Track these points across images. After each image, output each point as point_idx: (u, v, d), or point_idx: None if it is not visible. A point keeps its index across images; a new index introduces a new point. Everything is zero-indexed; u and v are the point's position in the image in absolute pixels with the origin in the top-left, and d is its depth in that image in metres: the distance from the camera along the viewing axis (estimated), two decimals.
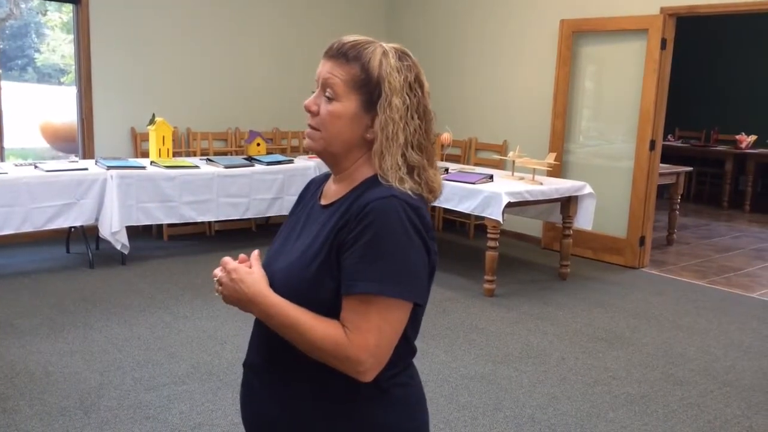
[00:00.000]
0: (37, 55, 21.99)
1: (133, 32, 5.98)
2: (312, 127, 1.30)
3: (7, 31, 21.33)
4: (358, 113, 1.26)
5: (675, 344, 4.08)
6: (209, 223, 6.18)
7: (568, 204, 5.14)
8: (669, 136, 9.14)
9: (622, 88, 5.74)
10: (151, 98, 6.04)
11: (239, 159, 5.88)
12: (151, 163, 5.41)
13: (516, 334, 4.16)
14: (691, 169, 7.21)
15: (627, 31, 5.61)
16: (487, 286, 4.83)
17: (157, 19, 6.09)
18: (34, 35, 20.91)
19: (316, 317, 1.21)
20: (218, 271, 1.27)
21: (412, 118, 1.26)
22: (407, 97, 1.26)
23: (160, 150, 5.59)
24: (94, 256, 5.24)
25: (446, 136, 5.73)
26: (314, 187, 1.43)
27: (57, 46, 19.26)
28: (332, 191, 1.35)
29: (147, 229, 6.03)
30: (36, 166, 5.02)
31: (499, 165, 6.25)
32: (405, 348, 1.28)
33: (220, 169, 5.49)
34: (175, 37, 6.20)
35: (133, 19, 5.97)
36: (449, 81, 7.02)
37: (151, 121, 5.61)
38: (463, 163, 6.44)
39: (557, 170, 5.78)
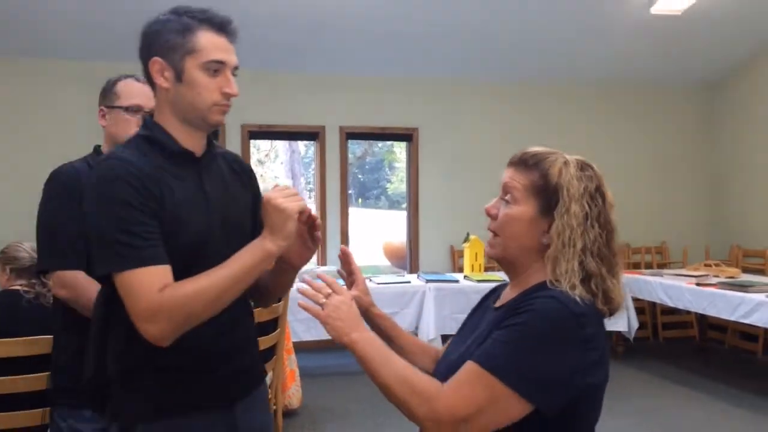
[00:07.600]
0: (388, 185, 25.40)
1: (449, 162, 6.74)
2: (492, 232, 1.40)
3: (366, 167, 25.16)
4: (535, 217, 1.32)
5: None
6: None
7: None
8: None
9: None
10: (466, 218, 6.60)
11: None
12: (465, 277, 5.90)
13: None
14: None
15: None
16: None
17: (469, 150, 6.75)
18: (387, 168, 24.35)
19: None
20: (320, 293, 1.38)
21: (592, 226, 1.29)
22: (586, 206, 1.29)
23: (473, 265, 6.07)
24: None
25: None
26: (497, 291, 1.51)
27: (405, 176, 22.13)
28: (505, 294, 1.42)
29: None
30: (370, 279, 5.86)
31: None
32: None
33: None
34: (483, 165, 6.68)
35: (449, 151, 6.73)
36: None
37: (466, 239, 6.16)
38: None
39: None
